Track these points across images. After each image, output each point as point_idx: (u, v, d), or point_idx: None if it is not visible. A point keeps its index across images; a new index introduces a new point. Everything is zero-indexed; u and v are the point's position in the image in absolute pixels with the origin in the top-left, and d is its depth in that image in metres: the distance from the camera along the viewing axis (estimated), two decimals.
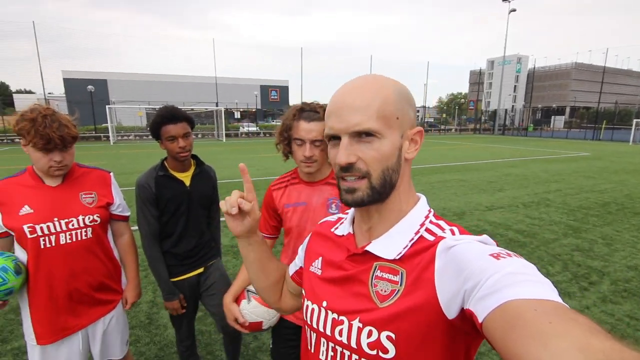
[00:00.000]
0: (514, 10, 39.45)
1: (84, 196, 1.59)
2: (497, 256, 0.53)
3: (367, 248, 0.67)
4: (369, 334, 0.63)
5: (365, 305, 0.65)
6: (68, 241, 1.53)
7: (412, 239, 0.65)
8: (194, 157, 1.97)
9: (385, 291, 0.64)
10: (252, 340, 2.77)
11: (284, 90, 49.80)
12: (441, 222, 0.67)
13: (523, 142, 26.39)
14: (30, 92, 62.65)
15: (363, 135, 0.62)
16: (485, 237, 0.61)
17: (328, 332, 0.70)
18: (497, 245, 0.59)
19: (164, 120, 1.74)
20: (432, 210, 0.71)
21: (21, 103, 46.80)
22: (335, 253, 0.75)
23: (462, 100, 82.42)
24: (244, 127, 33.36)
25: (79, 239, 1.55)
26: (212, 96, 34.83)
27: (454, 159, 14.59)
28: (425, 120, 43.29)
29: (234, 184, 7.25)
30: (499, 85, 70.27)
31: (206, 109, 31.54)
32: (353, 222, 0.76)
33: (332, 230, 0.80)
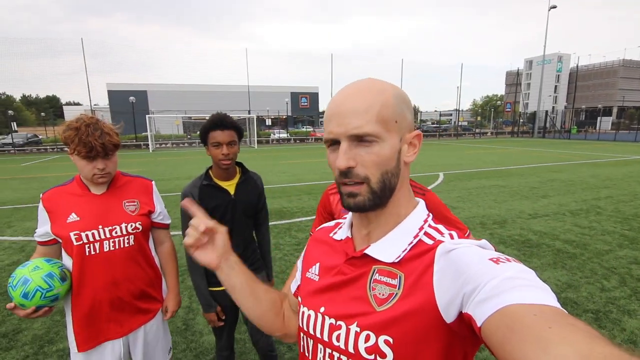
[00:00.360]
0: (554, 6, 37.54)
1: (127, 204, 1.62)
2: (496, 261, 0.53)
3: (366, 251, 0.67)
4: (367, 339, 0.62)
5: (362, 308, 0.65)
6: (111, 248, 1.56)
7: (411, 242, 0.65)
8: (239, 164, 1.97)
9: (383, 295, 0.63)
10: (286, 350, 2.73)
11: (314, 97, 50.23)
12: (440, 227, 0.67)
13: (566, 145, 24.85)
14: (78, 104, 67.21)
15: (362, 139, 0.62)
16: (484, 241, 0.60)
17: (325, 338, 0.69)
18: (496, 250, 0.59)
19: (213, 126, 1.76)
20: (430, 214, 0.71)
21: (70, 114, 50.33)
22: (333, 258, 0.75)
23: (499, 102, 79.47)
24: (274, 134, 33.93)
25: (122, 246, 1.58)
26: (244, 104, 35.83)
27: (492, 163, 13.99)
28: (459, 124, 41.93)
29: (268, 190, 7.64)
30: (538, 85, 66.98)
31: (238, 116, 32.49)
32: (352, 226, 0.76)
33: (331, 235, 0.80)
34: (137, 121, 26.51)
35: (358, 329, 0.64)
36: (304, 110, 49.79)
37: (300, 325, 0.76)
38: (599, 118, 50.27)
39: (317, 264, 0.78)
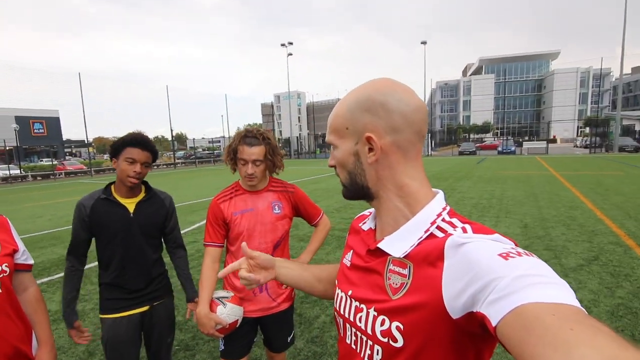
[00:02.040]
0: (291, 54, 46.81)
1: None
2: (506, 256, 0.52)
3: (379, 245, 0.71)
4: (382, 323, 0.66)
5: (380, 296, 0.68)
6: None
7: (421, 237, 0.66)
8: (145, 183, 1.88)
9: (396, 284, 0.66)
10: None
11: (52, 122, 40.37)
12: (454, 220, 0.66)
13: (315, 162, 31.59)
14: None
15: (331, 146, 0.75)
16: (497, 235, 0.59)
17: (351, 319, 0.74)
18: (515, 244, 0.58)
19: (134, 142, 1.70)
20: (448, 207, 0.70)
21: None
22: (361, 246, 0.79)
23: None
24: None
25: None
26: None
27: None
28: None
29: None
30: (287, 116, 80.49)
31: None
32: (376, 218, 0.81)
33: (360, 224, 0.85)
34: None
35: (375, 313, 0.68)
36: (40, 139, 39.34)
37: (335, 305, 0.82)
38: None
39: (351, 251, 0.82)
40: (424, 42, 40.37)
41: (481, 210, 7.92)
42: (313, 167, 25.43)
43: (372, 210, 0.83)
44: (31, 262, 1.53)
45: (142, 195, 1.87)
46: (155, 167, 33.27)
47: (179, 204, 10.30)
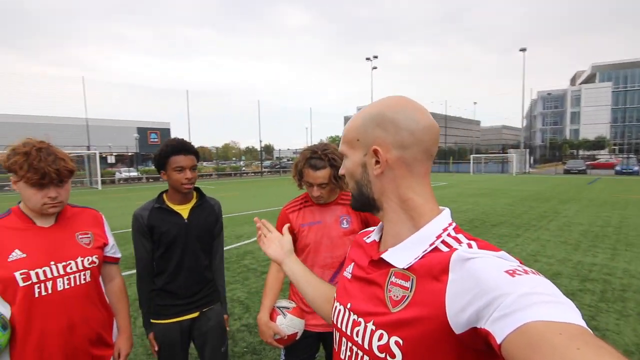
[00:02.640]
0: (375, 67, 46.82)
1: (80, 236, 1.47)
2: (512, 273, 0.52)
3: (383, 256, 0.71)
4: (380, 337, 0.65)
5: (379, 309, 0.67)
6: (66, 287, 1.38)
7: (426, 250, 0.66)
8: (197, 189, 1.93)
9: (397, 297, 0.65)
10: None
11: (165, 132, 46.74)
12: (460, 236, 0.66)
13: None
14: None
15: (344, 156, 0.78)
16: (503, 252, 0.59)
17: (348, 332, 0.73)
18: (520, 262, 0.58)
19: (175, 151, 1.73)
20: (453, 223, 0.70)
21: None
22: (363, 258, 0.80)
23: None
24: (121, 173, 29.86)
25: (78, 283, 1.42)
26: (80, 139, 30.49)
27: None
28: None
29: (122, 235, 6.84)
30: None
31: (70, 153, 27.08)
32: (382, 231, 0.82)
33: (364, 238, 0.87)
34: None
35: (374, 327, 0.66)
36: (154, 147, 45.69)
37: (332, 318, 0.82)
38: None
39: (352, 264, 0.83)
40: (523, 49, 36.79)
41: (592, 239, 6.71)
42: None
43: (374, 228, 0.86)
44: (119, 255, 1.67)
45: (194, 201, 1.90)
46: (245, 174, 36.02)
47: (263, 210, 10.87)
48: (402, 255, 0.68)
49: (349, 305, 0.76)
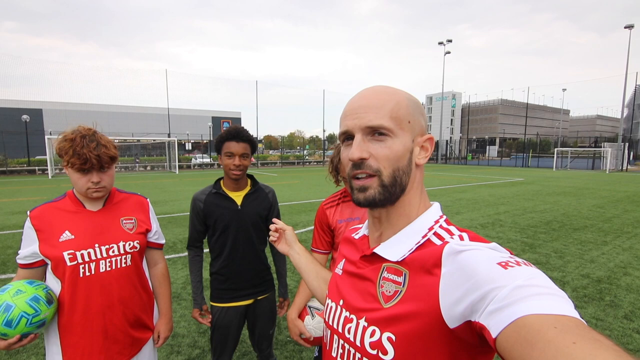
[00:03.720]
0: (449, 52, 43.94)
1: (124, 222, 1.55)
2: (505, 265, 0.51)
3: (375, 250, 0.70)
4: (372, 334, 0.64)
5: (371, 304, 0.66)
6: (108, 269, 1.47)
7: (419, 242, 0.65)
8: (251, 177, 2.00)
9: (389, 292, 0.64)
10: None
11: (236, 122, 49.60)
12: (452, 228, 0.66)
13: (465, 169, 28.65)
14: None
15: (376, 133, 0.65)
16: (494, 244, 0.59)
17: (340, 330, 0.72)
18: (511, 254, 0.57)
19: (229, 136, 1.80)
20: (444, 216, 0.70)
21: None
22: (353, 254, 0.79)
23: None
24: (196, 159, 32.44)
25: (119, 266, 1.50)
26: (162, 127, 33.70)
27: None
28: None
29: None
30: (438, 118, 76.40)
31: (154, 140, 30.25)
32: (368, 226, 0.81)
33: (353, 234, 0.86)
34: (31, 143, 23.10)
35: (366, 324, 0.65)
36: None
37: (324, 316, 0.81)
38: (487, 147, 59.08)
39: (343, 260, 0.82)
40: (629, 26, 31.53)
41: None
42: (461, 173, 23.26)
43: (362, 225, 0.86)
44: (162, 241, 1.74)
45: (248, 188, 1.96)
46: (308, 163, 36.73)
47: (319, 200, 10.96)
48: (394, 248, 0.67)
49: (341, 302, 0.75)
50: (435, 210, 0.71)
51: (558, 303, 0.45)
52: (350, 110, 0.68)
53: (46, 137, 19.90)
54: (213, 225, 1.90)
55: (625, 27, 31.79)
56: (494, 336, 0.46)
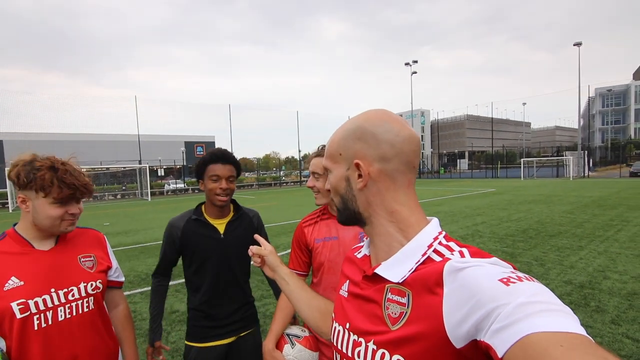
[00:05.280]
0: (415, 72, 45.76)
1: (82, 260, 1.36)
2: (507, 281, 0.51)
3: (376, 270, 0.69)
4: (382, 357, 0.63)
5: (379, 327, 0.66)
6: (67, 316, 1.26)
7: (419, 260, 0.65)
8: (233, 202, 1.84)
9: (395, 314, 0.64)
10: None
11: (210, 146, 48.88)
12: (451, 244, 0.66)
13: (439, 183, 29.35)
14: None
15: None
16: (495, 259, 0.59)
17: (349, 354, 0.71)
18: (514, 268, 0.57)
19: (214, 158, 1.67)
20: (443, 232, 0.69)
21: None
22: (356, 275, 0.78)
23: None
24: (169, 184, 31.49)
25: (80, 312, 1.30)
26: (132, 154, 32.61)
27: None
28: None
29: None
30: None
31: (124, 167, 29.19)
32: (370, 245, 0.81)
33: (355, 254, 0.85)
34: None
35: (375, 347, 0.65)
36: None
37: (332, 339, 0.79)
38: (458, 160, 61.05)
39: (347, 282, 0.81)
40: (577, 44, 33.98)
41: None
42: (436, 187, 23.74)
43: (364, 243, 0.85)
44: (122, 279, 1.55)
45: (231, 214, 1.81)
46: (285, 184, 36.49)
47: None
48: (395, 268, 0.66)
49: (347, 325, 0.73)
50: (433, 227, 0.69)
51: (564, 320, 0.44)
52: None
53: (6, 169, 18.72)
54: (190, 256, 1.72)
55: (574, 45, 34.34)
56: (500, 356, 0.45)
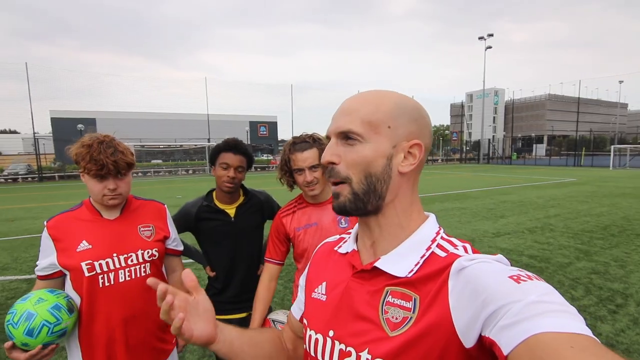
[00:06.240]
0: (490, 47, 41.96)
1: (142, 229, 1.52)
2: (517, 279, 0.50)
3: (376, 264, 0.63)
4: None
5: (374, 334, 0.60)
6: (127, 279, 1.44)
7: (424, 255, 0.61)
8: (243, 187, 1.94)
9: (396, 318, 0.59)
10: None
11: (272, 126, 50.52)
12: (453, 239, 0.64)
13: (509, 169, 27.09)
14: (14, 132, 61.94)
15: (348, 138, 0.63)
16: (499, 256, 0.58)
17: None
18: (512, 266, 0.56)
19: (226, 147, 1.76)
20: (442, 228, 0.68)
21: (5, 142, 46.03)
22: (340, 274, 0.70)
23: (446, 131, 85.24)
24: None
25: (138, 276, 1.46)
26: (203, 133, 35.08)
27: (448, 187, 14.80)
28: None
29: None
30: (479, 116, 73.18)
31: (195, 145, 31.55)
32: (357, 239, 0.73)
33: (335, 249, 0.77)
34: None
35: (369, 357, 0.59)
36: (262, 139, 49.76)
37: (307, 349, 0.71)
38: (534, 145, 55.63)
39: (324, 283, 0.73)
40: None
41: None
42: (504, 174, 21.98)
43: (343, 235, 0.79)
44: (181, 248, 1.70)
45: (241, 199, 1.89)
46: None
47: None
48: (400, 262, 0.62)
49: (331, 334, 0.66)
50: (432, 222, 0.68)
51: (572, 321, 0.43)
52: (334, 114, 0.68)
53: None
54: (205, 239, 1.85)
55: None
56: (505, 353, 0.44)
